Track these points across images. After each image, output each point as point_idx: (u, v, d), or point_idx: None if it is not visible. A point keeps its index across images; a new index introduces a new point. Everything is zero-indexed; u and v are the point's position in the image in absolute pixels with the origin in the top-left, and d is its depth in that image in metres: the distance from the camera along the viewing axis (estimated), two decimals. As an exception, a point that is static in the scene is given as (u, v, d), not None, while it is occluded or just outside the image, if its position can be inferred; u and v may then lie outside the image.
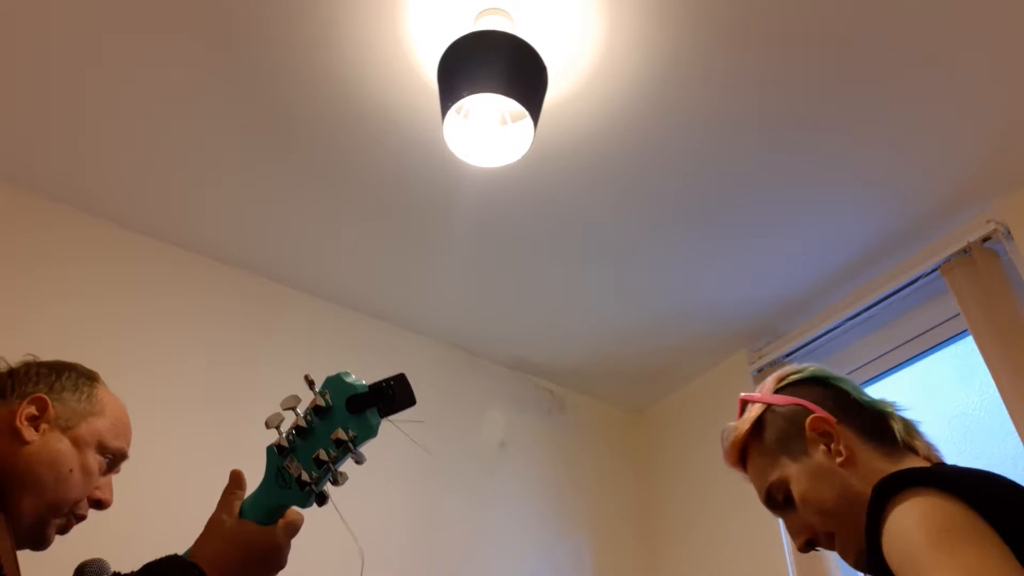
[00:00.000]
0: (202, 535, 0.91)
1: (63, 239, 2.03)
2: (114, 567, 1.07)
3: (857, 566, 0.97)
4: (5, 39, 1.68)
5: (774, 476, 1.02)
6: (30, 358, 1.10)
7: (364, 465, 0.93)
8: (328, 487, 0.92)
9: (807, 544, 1.01)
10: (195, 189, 2.06)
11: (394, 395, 0.90)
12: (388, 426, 0.93)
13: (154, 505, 1.79)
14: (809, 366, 1.09)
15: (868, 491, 0.86)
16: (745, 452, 1.07)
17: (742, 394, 1.12)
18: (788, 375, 1.09)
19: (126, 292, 2.07)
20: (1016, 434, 1.80)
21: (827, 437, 0.98)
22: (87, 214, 2.10)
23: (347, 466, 0.92)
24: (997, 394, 1.87)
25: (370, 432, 0.90)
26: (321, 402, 0.91)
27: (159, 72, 1.76)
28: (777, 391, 1.07)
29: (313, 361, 2.30)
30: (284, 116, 1.87)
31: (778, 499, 1.03)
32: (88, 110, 1.84)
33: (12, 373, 1.07)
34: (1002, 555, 0.72)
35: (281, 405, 0.93)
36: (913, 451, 0.98)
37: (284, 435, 0.93)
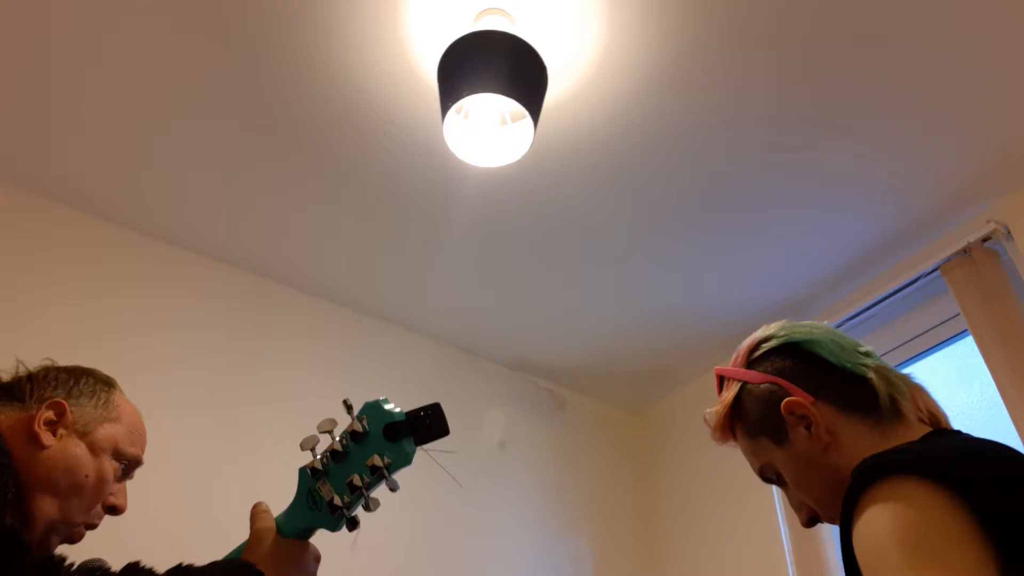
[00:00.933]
0: (249, 544, 0.93)
1: (63, 239, 2.03)
2: (113, 566, 1.07)
3: None
4: (5, 39, 1.68)
5: (762, 460, 1.00)
6: (48, 362, 1.10)
7: None
8: (359, 512, 0.93)
9: (810, 520, 0.98)
10: (195, 189, 2.06)
11: (430, 424, 0.91)
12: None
13: (153, 505, 1.78)
14: (780, 330, 1.03)
15: None
16: (732, 429, 1.04)
17: (716, 367, 1.09)
18: (759, 344, 1.04)
19: (126, 292, 2.07)
20: (1016, 434, 1.80)
21: (806, 420, 0.93)
22: (87, 214, 2.10)
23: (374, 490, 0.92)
24: (997, 394, 1.87)
25: (405, 460, 0.91)
26: (359, 427, 0.91)
27: (159, 72, 1.76)
28: (751, 363, 1.03)
29: (313, 361, 2.31)
30: (284, 116, 1.87)
31: (771, 478, 1.00)
32: (88, 110, 1.84)
33: (31, 377, 1.06)
34: (974, 571, 0.65)
35: (317, 428, 0.94)
36: (902, 414, 0.91)
37: (318, 458, 0.93)
